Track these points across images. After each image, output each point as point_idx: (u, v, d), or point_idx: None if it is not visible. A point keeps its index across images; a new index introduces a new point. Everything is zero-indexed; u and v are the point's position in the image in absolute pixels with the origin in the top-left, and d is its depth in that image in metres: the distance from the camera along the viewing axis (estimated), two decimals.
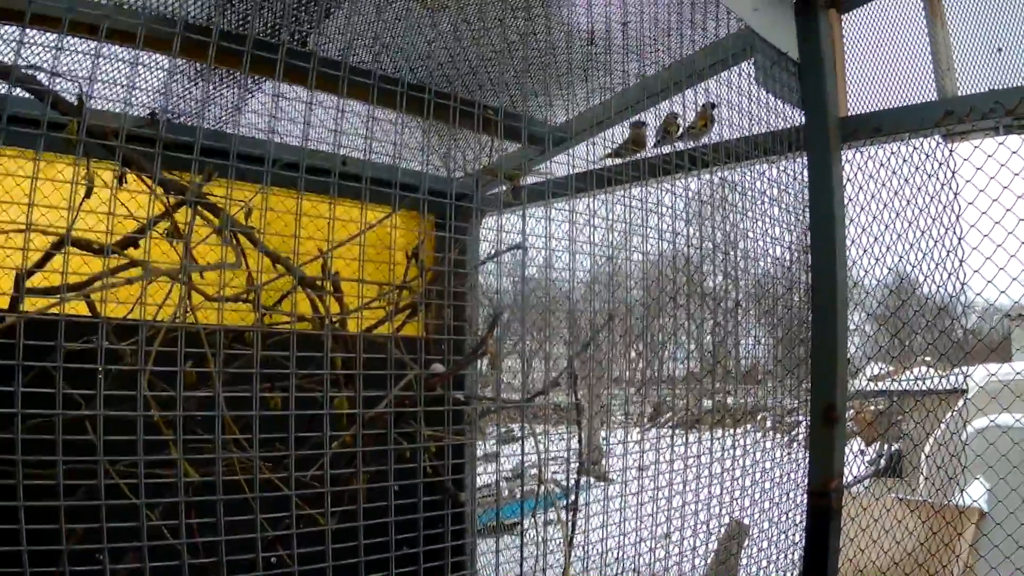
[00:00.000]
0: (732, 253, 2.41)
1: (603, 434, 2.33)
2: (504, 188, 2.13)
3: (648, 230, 2.20)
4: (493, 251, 1.94)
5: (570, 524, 2.00)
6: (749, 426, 2.71)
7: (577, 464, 2.16)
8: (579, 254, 2.07)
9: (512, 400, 2.00)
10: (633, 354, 2.64)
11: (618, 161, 2.31)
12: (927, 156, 2.33)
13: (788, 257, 2.44)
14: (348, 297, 1.97)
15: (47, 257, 1.80)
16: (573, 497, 2.03)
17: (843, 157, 2.35)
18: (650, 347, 2.56)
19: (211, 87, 2.16)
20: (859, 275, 2.42)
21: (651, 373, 2.58)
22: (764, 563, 2.43)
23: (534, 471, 2.27)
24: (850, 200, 2.36)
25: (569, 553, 1.98)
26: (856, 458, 2.93)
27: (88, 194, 1.63)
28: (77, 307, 1.83)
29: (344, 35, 2.01)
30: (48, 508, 1.33)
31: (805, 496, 2.41)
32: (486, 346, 1.79)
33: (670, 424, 2.50)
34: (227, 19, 2.15)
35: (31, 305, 1.58)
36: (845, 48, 2.41)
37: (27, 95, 1.72)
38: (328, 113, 1.94)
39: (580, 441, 2.07)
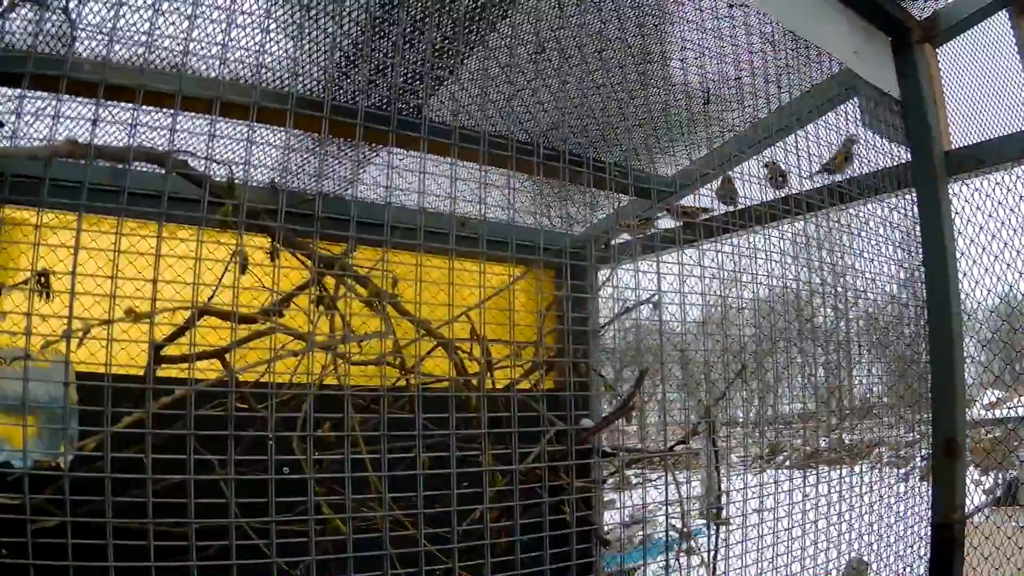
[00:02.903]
0: (842, 291, 2.83)
1: (722, 477, 2.74)
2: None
3: (755, 274, 2.61)
4: (625, 306, 2.36)
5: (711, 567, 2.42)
6: (866, 462, 3.12)
7: (707, 508, 2.59)
8: (693, 305, 2.49)
9: (655, 450, 2.41)
10: (746, 394, 3.06)
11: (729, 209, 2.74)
12: None
13: (900, 293, 2.86)
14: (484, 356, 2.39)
15: (182, 329, 2.21)
16: (712, 542, 2.45)
17: (950, 190, 2.78)
18: (763, 386, 2.97)
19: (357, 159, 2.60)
20: (972, 307, 2.84)
21: (765, 412, 3.00)
22: None
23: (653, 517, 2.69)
24: (959, 233, 2.78)
25: None
26: (973, 487, 3.34)
27: (243, 270, 2.08)
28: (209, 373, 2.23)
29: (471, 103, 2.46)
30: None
31: (928, 529, 2.81)
32: (633, 401, 2.22)
33: (787, 464, 2.90)
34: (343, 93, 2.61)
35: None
36: (944, 82, 2.84)
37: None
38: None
39: (713, 485, 2.48)
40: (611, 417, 2.27)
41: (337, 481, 2.00)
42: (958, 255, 2.77)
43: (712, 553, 2.42)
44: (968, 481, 3.35)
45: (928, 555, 2.80)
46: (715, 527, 2.55)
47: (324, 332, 2.22)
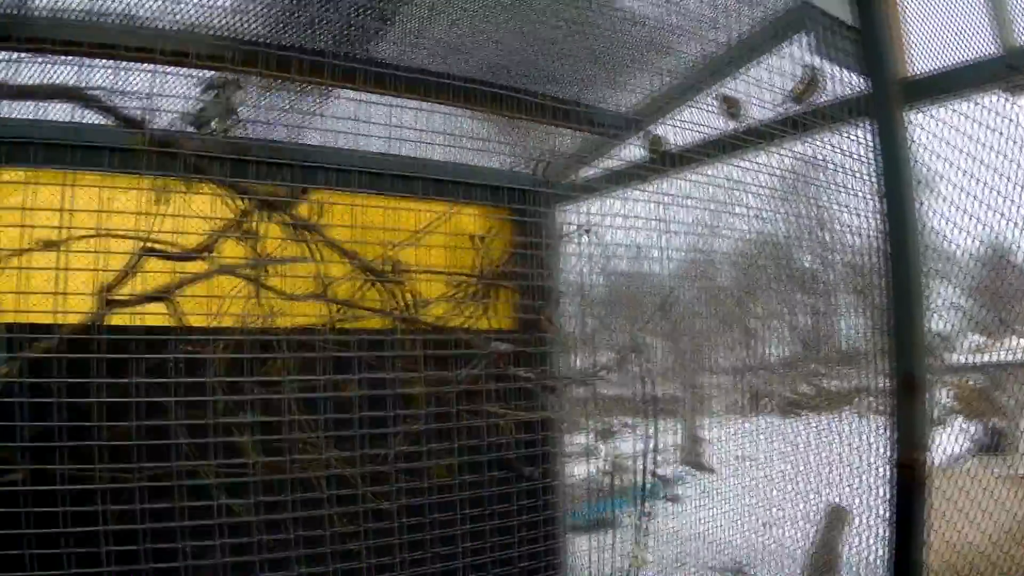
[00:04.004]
0: (815, 228, 2.85)
1: (702, 424, 2.78)
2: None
3: (734, 209, 2.66)
4: (562, 237, 2.43)
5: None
6: (844, 407, 3.13)
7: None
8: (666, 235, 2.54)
9: (579, 374, 2.46)
10: (728, 341, 3.10)
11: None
12: (991, 112, 2.72)
13: (867, 227, 2.85)
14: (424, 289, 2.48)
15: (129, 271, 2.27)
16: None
17: (908, 119, 2.77)
18: (745, 333, 3.00)
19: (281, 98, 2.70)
20: (953, 251, 2.82)
21: (747, 359, 3.03)
22: (855, 538, 2.83)
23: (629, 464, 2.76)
24: (918, 163, 2.78)
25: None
26: (959, 436, 3.32)
27: (163, 200, 2.16)
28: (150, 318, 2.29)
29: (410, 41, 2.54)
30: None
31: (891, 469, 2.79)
32: (542, 322, 2.29)
33: (768, 411, 2.93)
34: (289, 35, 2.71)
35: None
36: (904, 9, 2.83)
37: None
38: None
39: (652, 416, 2.53)
40: (522, 337, 2.34)
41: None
42: (920, 185, 2.76)
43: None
44: (953, 430, 3.33)
45: (891, 495, 2.79)
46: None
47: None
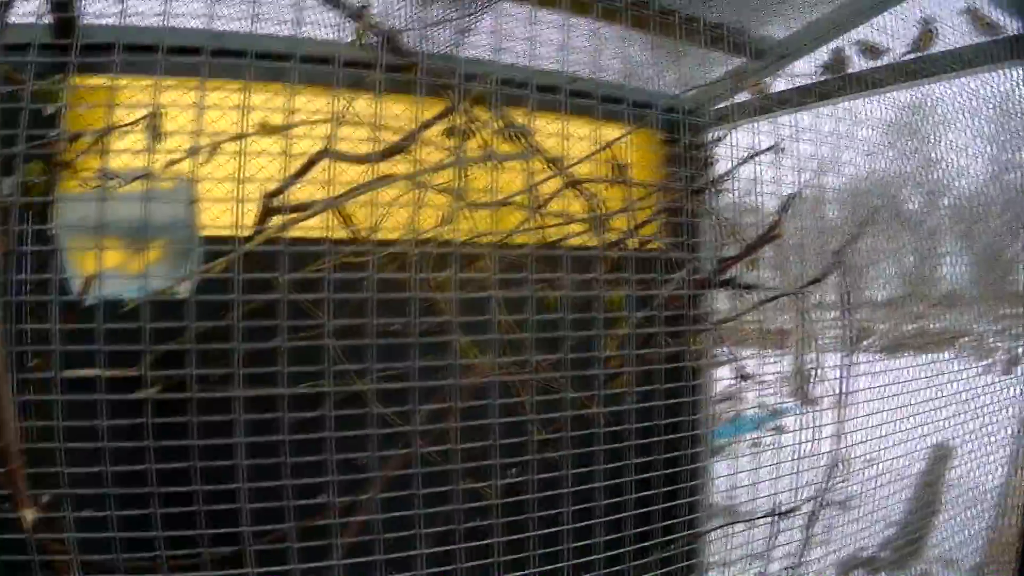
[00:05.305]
0: (937, 170, 2.91)
1: (810, 358, 2.81)
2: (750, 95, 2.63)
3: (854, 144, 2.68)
4: (746, 156, 2.42)
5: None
6: (951, 350, 3.21)
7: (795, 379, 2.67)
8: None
9: (790, 289, 2.45)
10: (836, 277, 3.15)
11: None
12: None
13: (1001, 173, 2.93)
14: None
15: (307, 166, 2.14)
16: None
17: None
18: (852, 270, 3.05)
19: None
20: None
21: (854, 297, 3.07)
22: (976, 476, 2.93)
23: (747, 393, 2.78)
24: None
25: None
26: None
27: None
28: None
29: None
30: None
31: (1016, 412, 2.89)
32: (778, 229, 2.28)
33: (874, 348, 2.98)
34: None
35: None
36: None
37: None
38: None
39: (847, 326, 2.54)
40: (755, 245, 2.33)
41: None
42: None
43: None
44: None
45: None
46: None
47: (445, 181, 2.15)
